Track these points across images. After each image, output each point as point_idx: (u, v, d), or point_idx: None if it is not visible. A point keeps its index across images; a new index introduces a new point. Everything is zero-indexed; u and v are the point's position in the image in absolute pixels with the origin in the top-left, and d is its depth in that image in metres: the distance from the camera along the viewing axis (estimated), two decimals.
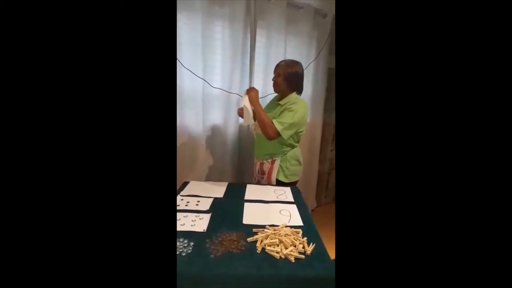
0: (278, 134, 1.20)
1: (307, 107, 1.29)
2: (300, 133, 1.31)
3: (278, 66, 1.31)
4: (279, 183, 1.32)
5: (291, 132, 1.22)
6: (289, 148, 1.31)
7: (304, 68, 1.34)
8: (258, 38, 1.57)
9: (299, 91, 1.33)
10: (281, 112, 1.25)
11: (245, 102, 1.24)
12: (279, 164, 1.31)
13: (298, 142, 1.35)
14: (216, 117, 1.58)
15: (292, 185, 1.32)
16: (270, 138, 1.21)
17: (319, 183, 2.33)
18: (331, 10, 1.83)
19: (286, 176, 1.32)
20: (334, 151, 2.39)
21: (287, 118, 1.20)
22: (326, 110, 2.14)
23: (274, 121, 1.20)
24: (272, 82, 1.33)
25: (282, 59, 1.65)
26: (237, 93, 1.58)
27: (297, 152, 1.34)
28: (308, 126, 1.98)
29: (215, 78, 1.49)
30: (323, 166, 2.35)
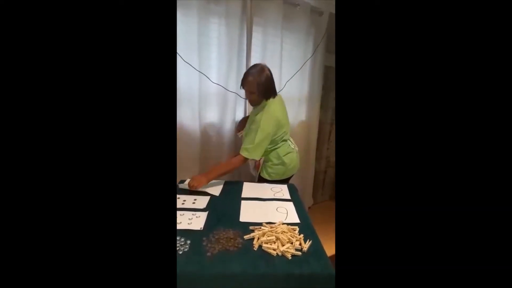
0: (246, 159, 1.21)
1: (276, 112, 1.24)
2: (283, 133, 1.31)
3: (246, 83, 1.21)
4: (262, 179, 1.35)
5: (261, 149, 1.22)
6: (272, 145, 1.30)
7: (300, 67, 1.32)
8: (254, 35, 1.57)
9: (272, 95, 1.27)
10: (248, 131, 1.23)
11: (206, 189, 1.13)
12: (264, 162, 1.35)
13: (285, 141, 1.35)
14: (212, 115, 1.57)
15: (283, 181, 1.34)
16: (242, 164, 1.24)
17: (316, 181, 2.34)
18: (327, 8, 1.83)
19: (268, 174, 1.34)
20: (330, 149, 2.39)
21: (251, 140, 1.20)
22: (322, 108, 2.14)
23: (241, 149, 1.21)
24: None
25: (278, 56, 1.66)
26: (234, 91, 1.57)
27: (280, 151, 1.32)
28: (304, 125, 1.99)
29: (211, 75, 1.48)
30: (320, 164, 2.36)
